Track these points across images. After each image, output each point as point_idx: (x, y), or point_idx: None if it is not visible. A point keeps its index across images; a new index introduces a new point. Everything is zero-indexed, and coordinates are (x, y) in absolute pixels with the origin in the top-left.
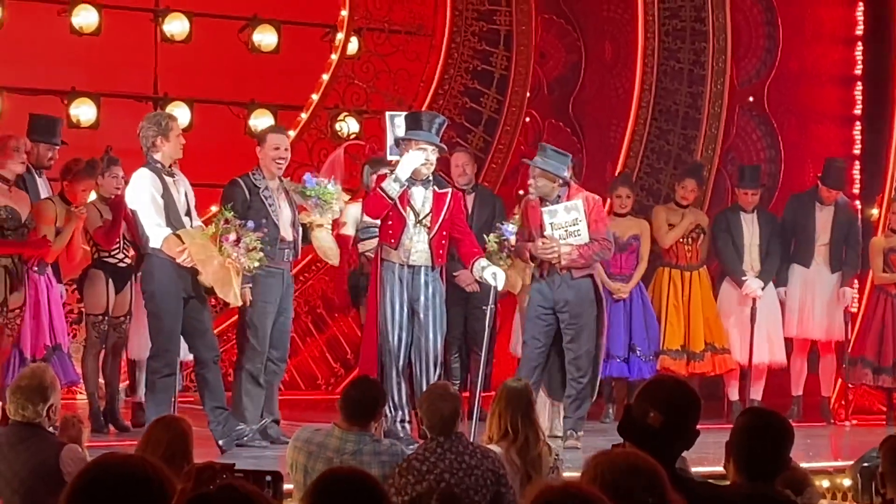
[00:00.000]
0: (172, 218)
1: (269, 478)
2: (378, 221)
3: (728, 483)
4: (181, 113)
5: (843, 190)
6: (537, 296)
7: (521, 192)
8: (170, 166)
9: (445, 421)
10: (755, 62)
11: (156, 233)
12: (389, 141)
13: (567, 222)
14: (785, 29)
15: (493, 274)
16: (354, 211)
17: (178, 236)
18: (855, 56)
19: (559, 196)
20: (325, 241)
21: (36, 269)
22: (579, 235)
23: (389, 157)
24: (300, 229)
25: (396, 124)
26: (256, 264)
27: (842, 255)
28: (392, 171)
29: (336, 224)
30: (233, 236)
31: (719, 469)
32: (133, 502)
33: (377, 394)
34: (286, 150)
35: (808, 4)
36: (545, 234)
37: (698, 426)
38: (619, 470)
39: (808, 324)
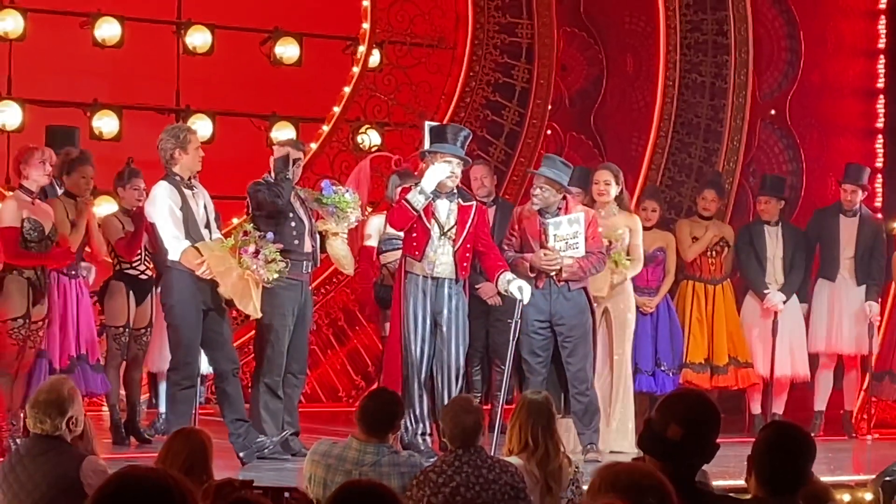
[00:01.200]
0: (191, 230)
1: (287, 493)
2: (402, 233)
3: (749, 497)
4: (203, 125)
5: (864, 186)
6: (531, 309)
7: None
8: (189, 179)
9: (467, 433)
10: (777, 75)
11: (175, 245)
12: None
13: (568, 234)
14: (807, 42)
15: (519, 287)
16: (378, 222)
17: (197, 249)
18: (877, 69)
19: (559, 208)
20: (339, 250)
21: (65, 270)
22: (577, 248)
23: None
24: (318, 239)
25: None
26: (276, 276)
27: (867, 268)
28: (417, 184)
29: (356, 234)
30: (252, 248)
31: (741, 483)
32: None
33: (395, 405)
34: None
35: (831, 17)
36: (548, 245)
37: (719, 440)
38: (624, 483)
39: (837, 338)
